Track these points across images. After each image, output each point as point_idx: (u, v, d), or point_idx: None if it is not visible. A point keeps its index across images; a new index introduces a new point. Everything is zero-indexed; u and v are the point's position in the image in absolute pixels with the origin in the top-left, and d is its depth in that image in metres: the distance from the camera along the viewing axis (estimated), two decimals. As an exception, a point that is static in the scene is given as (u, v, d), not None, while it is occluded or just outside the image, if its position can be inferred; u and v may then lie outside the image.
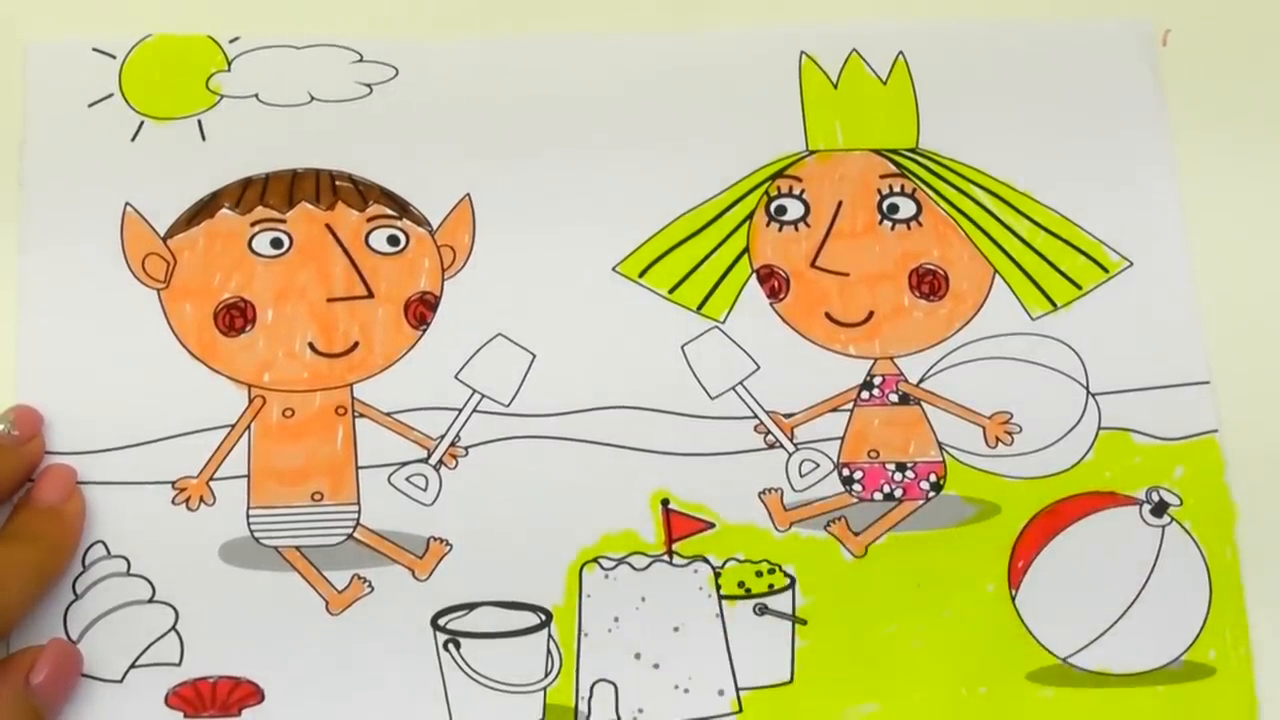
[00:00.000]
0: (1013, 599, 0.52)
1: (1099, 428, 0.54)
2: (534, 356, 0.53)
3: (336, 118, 0.55)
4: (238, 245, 0.53)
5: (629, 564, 0.51)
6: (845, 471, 0.53)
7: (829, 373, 0.54)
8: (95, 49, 0.55)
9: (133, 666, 0.49)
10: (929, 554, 0.52)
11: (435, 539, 0.51)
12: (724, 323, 0.54)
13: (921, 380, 0.54)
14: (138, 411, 0.51)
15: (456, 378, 0.53)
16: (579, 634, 0.51)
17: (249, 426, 0.52)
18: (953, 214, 0.55)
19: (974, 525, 0.52)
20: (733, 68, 0.57)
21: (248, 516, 0.51)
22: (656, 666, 0.51)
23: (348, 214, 0.54)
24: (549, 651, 0.51)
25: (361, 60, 0.56)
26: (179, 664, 0.49)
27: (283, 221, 0.53)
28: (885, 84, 0.57)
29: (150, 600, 0.50)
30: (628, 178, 0.55)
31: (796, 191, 0.55)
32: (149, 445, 0.51)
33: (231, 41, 0.55)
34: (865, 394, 0.54)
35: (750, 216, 0.55)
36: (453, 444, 0.52)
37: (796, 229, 0.55)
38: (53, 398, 0.51)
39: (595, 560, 0.51)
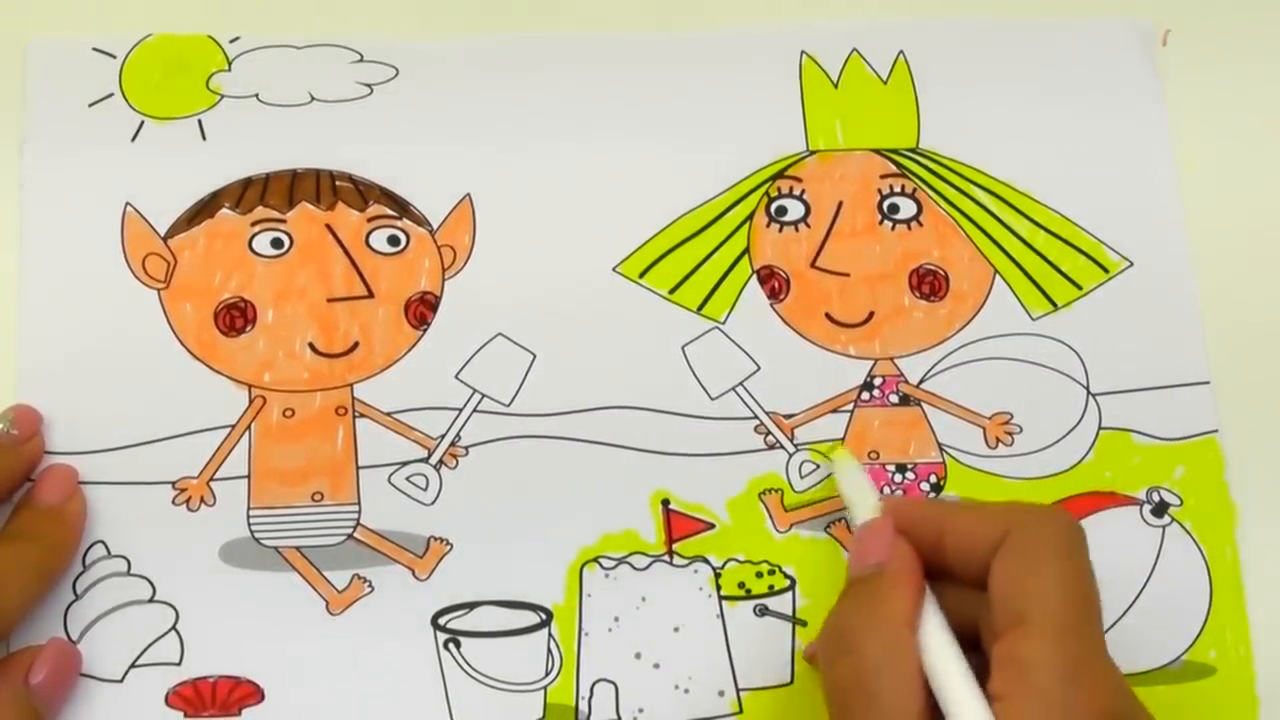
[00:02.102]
0: (1013, 599, 0.52)
1: (1099, 428, 0.54)
2: (534, 356, 0.53)
3: (336, 118, 0.55)
4: (238, 245, 0.53)
5: (629, 564, 0.51)
6: (845, 472, 0.53)
7: (829, 373, 0.54)
8: (95, 49, 0.55)
9: (133, 666, 0.49)
10: (929, 554, 0.52)
11: (435, 539, 0.51)
12: (724, 323, 0.54)
13: (922, 381, 0.54)
14: (138, 411, 0.51)
15: (457, 378, 0.53)
16: (579, 633, 0.51)
17: (249, 427, 0.52)
18: (953, 214, 0.56)
19: (974, 526, 0.52)
20: (733, 68, 0.57)
21: (248, 517, 0.51)
22: (657, 666, 0.51)
23: (348, 214, 0.54)
24: (549, 651, 0.51)
25: (361, 60, 0.56)
26: (179, 664, 0.49)
27: (283, 221, 0.53)
28: (885, 84, 0.57)
29: (150, 600, 0.50)
30: (628, 178, 0.55)
31: (797, 192, 0.55)
32: (149, 445, 0.51)
33: (232, 41, 0.55)
34: (865, 395, 0.54)
35: (750, 217, 0.55)
36: (453, 444, 0.52)
37: (797, 229, 0.55)
38: (53, 398, 0.51)
39: (595, 560, 0.51)
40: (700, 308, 0.54)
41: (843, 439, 0.53)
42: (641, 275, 0.54)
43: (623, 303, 0.54)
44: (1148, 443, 0.54)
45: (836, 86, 0.57)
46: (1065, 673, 0.40)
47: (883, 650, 0.42)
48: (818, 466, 0.53)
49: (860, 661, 0.42)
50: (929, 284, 0.55)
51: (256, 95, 0.55)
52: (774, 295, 0.54)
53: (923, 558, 0.45)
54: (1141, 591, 0.52)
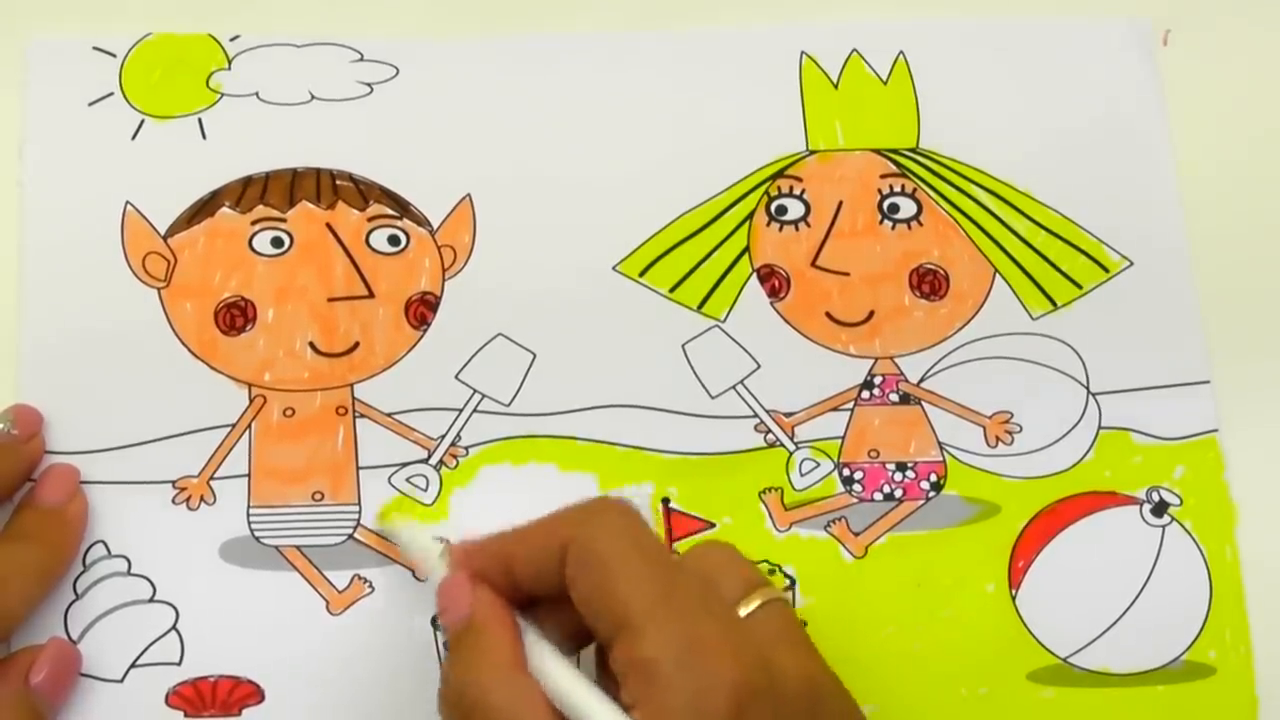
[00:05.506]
0: (1013, 599, 0.52)
1: (1099, 427, 0.54)
2: (534, 356, 0.53)
3: (336, 117, 0.55)
4: (238, 244, 0.53)
5: (629, 564, 0.51)
6: (846, 471, 0.53)
7: (829, 372, 0.54)
8: (95, 48, 0.55)
9: (133, 666, 0.49)
10: (929, 554, 0.52)
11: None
12: (724, 322, 0.54)
13: (922, 380, 0.54)
14: (138, 411, 0.51)
15: (457, 378, 0.53)
16: (579, 634, 0.51)
17: (249, 426, 0.52)
18: (953, 214, 0.56)
19: (974, 525, 0.53)
20: (732, 68, 0.57)
21: (248, 516, 0.51)
22: (657, 666, 0.50)
23: (348, 213, 0.54)
24: (549, 651, 0.51)
25: (361, 60, 0.56)
26: (179, 664, 0.49)
27: (283, 220, 0.53)
28: (885, 84, 0.57)
29: (150, 600, 0.50)
30: (628, 178, 0.55)
31: (797, 191, 0.55)
32: (149, 445, 0.51)
33: (232, 40, 0.55)
34: (866, 393, 0.54)
35: (750, 216, 0.55)
36: (453, 444, 0.52)
37: (797, 229, 0.55)
38: (53, 398, 0.51)
39: (595, 560, 0.51)
40: (700, 306, 0.54)
41: (843, 438, 0.53)
42: (642, 274, 0.54)
43: (623, 302, 0.54)
44: (1148, 442, 0.54)
45: (836, 87, 0.57)
46: (682, 658, 0.38)
47: (505, 696, 0.41)
48: (818, 464, 0.53)
49: (489, 712, 0.41)
50: (929, 283, 0.55)
51: (256, 94, 0.55)
52: (774, 294, 0.54)
53: (513, 591, 0.44)
54: (1141, 591, 0.52)
